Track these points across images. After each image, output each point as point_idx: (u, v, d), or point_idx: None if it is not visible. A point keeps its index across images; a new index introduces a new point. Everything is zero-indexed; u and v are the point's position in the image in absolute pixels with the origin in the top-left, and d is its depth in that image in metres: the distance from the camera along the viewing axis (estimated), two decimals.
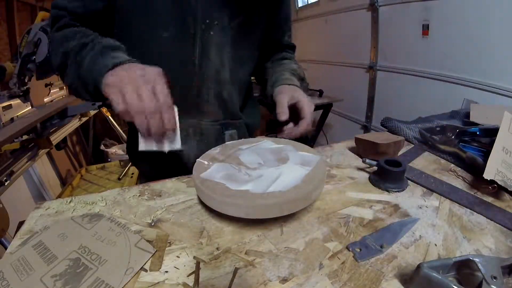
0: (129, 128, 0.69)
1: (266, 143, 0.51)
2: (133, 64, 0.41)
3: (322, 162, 0.44)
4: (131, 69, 0.40)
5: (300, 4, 2.55)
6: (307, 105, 0.53)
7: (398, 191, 0.45)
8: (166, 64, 0.47)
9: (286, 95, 0.54)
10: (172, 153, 0.58)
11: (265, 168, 0.42)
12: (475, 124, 0.67)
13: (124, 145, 2.31)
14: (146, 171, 0.69)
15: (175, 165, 0.58)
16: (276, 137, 0.55)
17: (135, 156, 0.68)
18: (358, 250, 0.33)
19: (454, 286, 0.25)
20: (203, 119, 0.59)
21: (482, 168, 0.44)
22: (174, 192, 0.46)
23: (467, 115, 0.76)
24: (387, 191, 0.45)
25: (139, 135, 0.42)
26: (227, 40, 0.55)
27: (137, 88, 0.37)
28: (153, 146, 0.43)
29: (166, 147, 0.43)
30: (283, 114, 0.52)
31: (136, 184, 0.58)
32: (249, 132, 0.67)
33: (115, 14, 0.52)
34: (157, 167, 0.62)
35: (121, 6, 0.51)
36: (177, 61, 0.53)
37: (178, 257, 0.33)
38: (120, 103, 0.37)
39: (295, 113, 0.54)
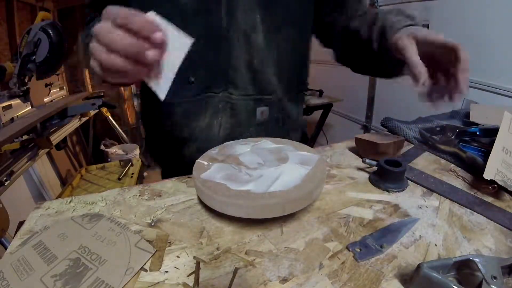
0: (146, 128, 0.67)
1: (265, 143, 0.51)
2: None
3: (321, 161, 0.44)
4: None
5: None
6: (456, 44, 0.39)
7: (398, 191, 0.45)
8: (189, 30, 0.40)
9: (411, 41, 0.40)
10: (200, 137, 0.54)
11: (265, 168, 0.42)
12: (475, 124, 0.67)
13: (124, 145, 2.31)
14: (169, 164, 0.65)
15: (202, 148, 0.52)
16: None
17: (156, 151, 0.65)
18: (358, 250, 0.33)
19: (454, 286, 0.25)
20: (233, 92, 0.54)
21: (482, 168, 0.44)
22: (174, 192, 0.46)
23: (467, 115, 0.76)
24: (387, 191, 0.45)
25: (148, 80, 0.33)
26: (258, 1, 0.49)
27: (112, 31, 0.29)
28: (165, 76, 0.32)
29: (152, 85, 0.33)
30: (421, 74, 0.37)
31: (136, 184, 0.58)
32: (288, 119, 0.60)
33: None
34: (180, 156, 0.58)
35: None
36: (202, 26, 0.49)
37: (178, 257, 0.33)
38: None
39: (435, 64, 0.40)
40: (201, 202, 0.42)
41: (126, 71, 0.30)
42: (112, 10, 0.29)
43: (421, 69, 0.38)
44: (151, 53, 0.29)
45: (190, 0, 0.47)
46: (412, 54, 0.39)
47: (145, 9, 0.43)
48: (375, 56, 0.51)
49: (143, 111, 0.65)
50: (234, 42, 0.51)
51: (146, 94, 0.61)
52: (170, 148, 0.60)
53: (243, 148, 0.49)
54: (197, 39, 0.37)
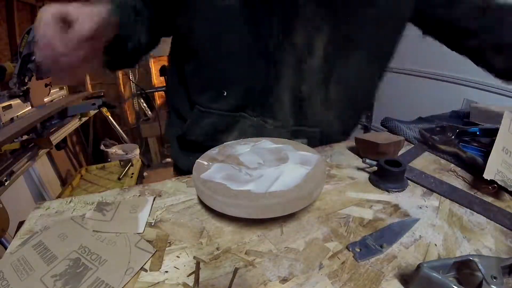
0: (169, 123, 0.62)
1: (265, 143, 0.51)
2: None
3: (321, 161, 0.44)
4: None
5: None
6: None
7: (398, 191, 0.45)
8: (234, 41, 0.39)
9: None
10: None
11: (265, 168, 0.42)
12: (475, 124, 0.67)
13: (124, 145, 2.31)
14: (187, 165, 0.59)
15: None
16: None
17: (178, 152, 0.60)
18: (358, 250, 0.33)
19: (454, 286, 0.25)
20: (268, 121, 0.49)
21: (482, 168, 0.44)
22: (174, 192, 0.46)
23: (467, 115, 0.76)
24: (387, 191, 0.45)
25: None
26: (323, 12, 0.38)
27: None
28: None
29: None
30: None
31: (136, 184, 0.58)
32: (322, 142, 0.54)
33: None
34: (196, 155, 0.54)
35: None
36: (246, 36, 0.41)
37: (178, 257, 0.33)
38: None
39: None
40: (201, 202, 0.42)
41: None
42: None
43: None
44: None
45: (235, 2, 0.39)
46: None
47: (187, 10, 0.43)
48: None
49: (171, 111, 0.61)
50: (283, 66, 0.43)
51: (175, 94, 0.58)
52: (192, 154, 0.55)
53: (243, 148, 0.49)
54: (236, 51, 0.34)
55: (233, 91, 0.48)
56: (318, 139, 0.53)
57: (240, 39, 0.42)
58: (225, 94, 0.47)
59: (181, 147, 0.60)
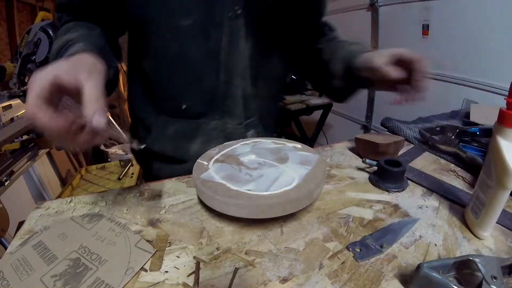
0: (133, 126, 0.64)
1: (265, 143, 0.51)
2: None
3: (321, 161, 0.44)
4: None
5: None
6: (417, 55, 0.42)
7: (398, 191, 0.45)
8: (187, 59, 0.43)
9: (381, 57, 0.44)
10: (190, 159, 0.53)
11: (265, 168, 0.42)
12: (475, 124, 0.67)
13: (124, 145, 2.31)
14: (152, 169, 0.63)
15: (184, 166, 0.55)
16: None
17: (142, 154, 0.63)
18: (358, 250, 0.33)
19: (454, 286, 0.25)
20: (229, 122, 0.54)
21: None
22: (174, 192, 0.46)
23: (467, 115, 0.76)
24: (387, 191, 0.45)
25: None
26: (258, 28, 0.49)
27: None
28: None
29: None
30: (392, 70, 0.42)
31: (136, 184, 0.58)
32: (265, 129, 0.62)
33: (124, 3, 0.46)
34: (164, 166, 0.58)
35: None
36: (200, 55, 0.47)
37: (178, 257, 0.33)
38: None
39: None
40: (201, 202, 0.42)
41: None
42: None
43: (390, 69, 0.43)
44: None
45: (192, 23, 0.44)
46: (381, 63, 0.44)
47: (140, 33, 0.45)
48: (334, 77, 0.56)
49: (133, 122, 0.63)
50: (233, 72, 0.49)
51: (139, 105, 0.60)
52: (159, 163, 0.60)
53: (243, 148, 0.49)
54: (195, 68, 0.36)
55: (193, 102, 0.52)
56: (261, 128, 0.60)
57: (194, 55, 0.47)
58: (184, 107, 0.52)
59: (144, 159, 0.63)
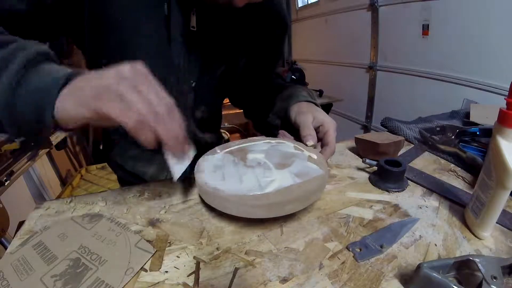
0: (104, 131, 0.67)
1: (286, 146, 0.48)
2: (95, 72, 0.29)
3: (320, 177, 0.39)
4: (108, 72, 0.28)
5: (300, 4, 2.55)
6: (333, 130, 0.48)
7: (398, 191, 0.45)
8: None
9: (309, 115, 0.49)
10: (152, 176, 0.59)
11: (258, 169, 0.41)
12: (475, 124, 0.67)
13: None
14: (125, 176, 0.66)
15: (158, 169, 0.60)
16: None
17: (114, 161, 0.65)
18: (358, 250, 0.33)
19: (454, 286, 0.25)
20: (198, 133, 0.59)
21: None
22: (174, 192, 0.46)
23: (467, 115, 0.76)
24: (387, 191, 0.45)
25: (168, 157, 0.35)
26: (207, 90, 0.55)
27: (137, 88, 0.28)
28: (184, 162, 0.36)
29: (189, 157, 0.38)
30: (312, 137, 0.46)
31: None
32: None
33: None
34: (138, 172, 0.61)
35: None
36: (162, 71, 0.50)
37: (178, 257, 0.33)
38: (126, 112, 0.27)
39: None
40: (201, 201, 0.42)
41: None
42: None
43: (312, 132, 0.48)
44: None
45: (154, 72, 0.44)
46: (307, 120, 0.49)
47: (107, 47, 0.46)
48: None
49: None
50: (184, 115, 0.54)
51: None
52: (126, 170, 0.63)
53: (261, 146, 0.48)
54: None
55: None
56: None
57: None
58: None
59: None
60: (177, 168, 0.36)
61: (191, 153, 0.38)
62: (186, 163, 0.37)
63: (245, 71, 0.61)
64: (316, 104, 0.54)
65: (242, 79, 0.63)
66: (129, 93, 0.28)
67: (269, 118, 0.61)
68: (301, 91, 0.57)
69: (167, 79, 0.49)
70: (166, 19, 0.46)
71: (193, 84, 0.53)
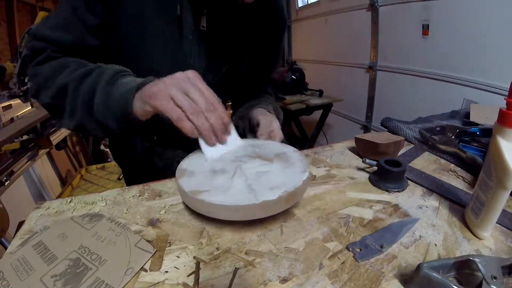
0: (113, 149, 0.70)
1: (274, 146, 0.48)
2: (160, 79, 0.40)
3: (303, 184, 0.38)
4: (166, 79, 0.39)
5: (300, 4, 2.55)
6: (279, 138, 0.55)
7: (398, 191, 0.45)
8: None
9: (268, 118, 0.57)
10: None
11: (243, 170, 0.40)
12: (475, 124, 0.67)
13: None
14: (135, 171, 0.68)
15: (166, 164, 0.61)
16: None
17: (121, 156, 0.69)
18: (358, 250, 0.33)
19: (454, 286, 0.25)
20: (181, 153, 0.60)
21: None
22: (174, 192, 0.46)
23: (467, 115, 0.76)
24: (387, 191, 0.45)
25: (201, 143, 0.42)
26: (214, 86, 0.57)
27: (184, 90, 0.37)
28: (218, 150, 0.43)
29: (228, 146, 0.44)
30: (265, 134, 0.54)
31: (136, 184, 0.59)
32: None
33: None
34: (146, 167, 0.62)
35: (115, 54, 0.50)
36: None
37: (178, 257, 0.33)
38: (173, 108, 0.37)
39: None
40: None
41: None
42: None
43: (266, 130, 0.56)
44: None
45: (164, 67, 0.48)
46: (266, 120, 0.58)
47: (126, 49, 0.50)
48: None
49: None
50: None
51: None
52: (135, 165, 0.66)
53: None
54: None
55: (162, 136, 0.59)
56: None
57: None
58: (155, 138, 0.60)
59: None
60: (209, 152, 0.43)
61: (231, 142, 0.45)
62: (221, 149, 0.43)
63: (247, 72, 0.63)
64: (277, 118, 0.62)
65: (244, 80, 0.64)
66: (175, 94, 0.37)
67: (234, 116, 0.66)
68: (269, 106, 0.64)
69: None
70: (178, 19, 0.49)
71: None
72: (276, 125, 0.57)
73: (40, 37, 0.47)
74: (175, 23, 0.49)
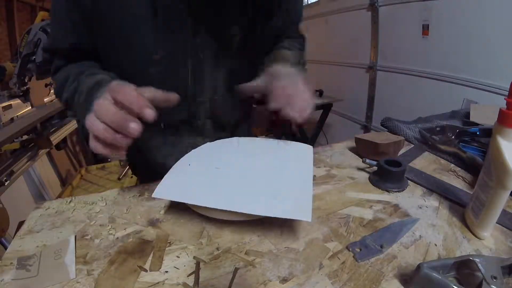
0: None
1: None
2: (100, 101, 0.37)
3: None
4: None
5: None
6: (303, 101, 0.46)
7: (398, 191, 0.45)
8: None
9: (283, 79, 0.48)
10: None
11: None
12: (475, 124, 0.67)
13: None
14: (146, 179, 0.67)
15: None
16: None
17: (135, 163, 0.68)
18: (358, 250, 0.33)
19: (454, 286, 0.25)
20: (200, 141, 0.58)
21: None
22: None
23: (467, 115, 0.76)
24: (387, 191, 0.45)
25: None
26: (221, 62, 0.52)
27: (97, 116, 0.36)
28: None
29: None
30: (281, 103, 0.46)
31: (136, 184, 0.59)
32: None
33: (99, 50, 0.50)
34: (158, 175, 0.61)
35: (102, 41, 0.48)
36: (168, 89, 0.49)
37: (178, 257, 0.33)
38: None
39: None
40: None
41: (106, 138, 0.35)
42: (114, 86, 0.36)
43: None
44: (132, 125, 0.33)
45: (158, 71, 0.48)
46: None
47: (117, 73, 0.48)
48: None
49: None
50: (200, 102, 0.54)
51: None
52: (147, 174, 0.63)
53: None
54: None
55: (169, 122, 0.56)
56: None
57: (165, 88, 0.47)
58: (163, 126, 0.56)
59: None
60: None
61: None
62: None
63: (266, 37, 0.55)
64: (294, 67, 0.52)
65: (265, 47, 0.57)
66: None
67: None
68: (290, 57, 0.56)
69: (181, 54, 0.48)
70: None
71: (203, 55, 0.50)
72: (294, 88, 0.46)
73: (45, 49, 0.53)
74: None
